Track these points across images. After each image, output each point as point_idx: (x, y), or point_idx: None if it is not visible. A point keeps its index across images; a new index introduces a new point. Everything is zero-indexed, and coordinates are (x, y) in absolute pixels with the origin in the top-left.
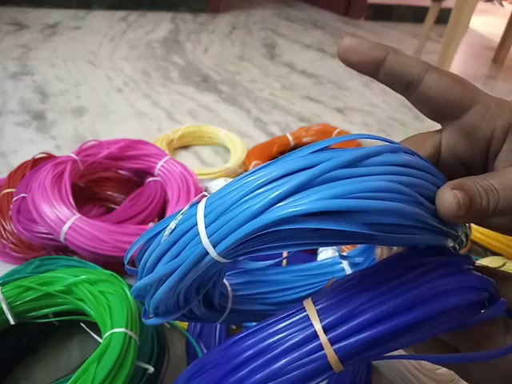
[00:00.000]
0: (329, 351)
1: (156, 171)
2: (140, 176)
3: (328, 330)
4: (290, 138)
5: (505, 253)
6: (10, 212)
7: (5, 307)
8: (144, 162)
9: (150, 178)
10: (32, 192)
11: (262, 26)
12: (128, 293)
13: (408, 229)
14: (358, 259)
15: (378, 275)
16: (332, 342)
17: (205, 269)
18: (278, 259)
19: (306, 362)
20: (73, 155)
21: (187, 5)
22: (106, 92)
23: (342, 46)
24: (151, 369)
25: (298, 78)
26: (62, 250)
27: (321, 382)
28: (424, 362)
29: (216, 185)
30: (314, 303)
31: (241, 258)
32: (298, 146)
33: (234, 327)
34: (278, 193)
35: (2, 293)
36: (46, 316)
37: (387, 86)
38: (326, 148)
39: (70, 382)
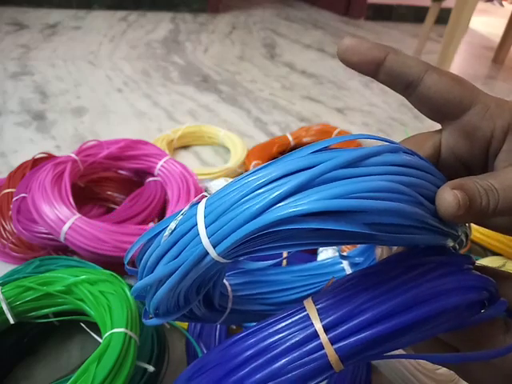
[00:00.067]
0: (329, 350)
1: (156, 171)
2: (140, 176)
3: (328, 329)
4: (290, 138)
5: (505, 253)
6: (10, 212)
7: (5, 307)
8: (144, 162)
9: (150, 178)
10: (32, 192)
11: (262, 26)
12: (128, 293)
13: (408, 229)
14: (358, 259)
15: (378, 275)
16: (332, 341)
17: (205, 269)
18: (278, 259)
19: (307, 361)
20: (73, 155)
21: (187, 5)
22: (106, 92)
23: (341, 46)
24: (151, 368)
25: (298, 78)
26: (62, 250)
27: (321, 381)
28: (424, 362)
29: (216, 185)
30: (314, 303)
31: (241, 258)
32: (298, 145)
33: (234, 327)
34: (278, 193)
35: (2, 293)
36: (46, 316)
37: (387, 86)
38: (325, 148)
39: (70, 382)
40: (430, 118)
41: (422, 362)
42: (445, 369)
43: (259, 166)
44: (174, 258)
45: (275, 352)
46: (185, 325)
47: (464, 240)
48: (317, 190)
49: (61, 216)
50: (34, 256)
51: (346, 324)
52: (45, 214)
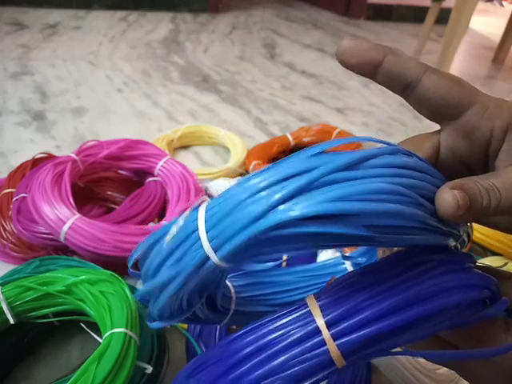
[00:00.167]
0: (331, 346)
1: (156, 171)
2: (140, 176)
3: (331, 325)
4: (290, 138)
5: (505, 253)
6: (10, 212)
7: (5, 307)
8: (144, 162)
9: (150, 178)
10: (32, 192)
11: (262, 26)
12: (128, 293)
13: (408, 230)
14: (360, 259)
15: (380, 272)
16: (335, 337)
17: (207, 273)
18: (278, 261)
19: (308, 357)
20: (73, 155)
21: (187, 5)
22: (106, 92)
23: (340, 48)
24: (151, 368)
25: (297, 78)
26: (62, 250)
27: (322, 379)
28: (424, 362)
29: (216, 185)
30: (316, 299)
31: (243, 261)
32: (298, 145)
33: (234, 327)
34: (276, 197)
35: (2, 293)
36: (46, 316)
37: (385, 87)
38: (324, 151)
39: (70, 382)
40: (429, 119)
41: (422, 361)
42: (445, 369)
43: (258, 171)
44: (176, 263)
45: (276, 348)
46: (185, 325)
47: (466, 239)
48: (315, 194)
49: (61, 216)
50: (34, 256)
51: (349, 320)
52: (45, 214)
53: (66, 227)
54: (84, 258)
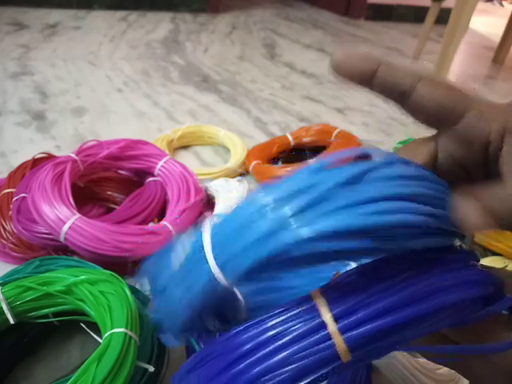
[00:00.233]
0: (338, 340)
1: (156, 171)
2: (140, 176)
3: (338, 319)
4: (290, 138)
5: (505, 253)
6: (10, 212)
7: (5, 307)
8: (144, 162)
9: (150, 178)
10: (32, 192)
11: (262, 26)
12: (128, 293)
13: (415, 236)
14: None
15: (387, 267)
16: (342, 331)
17: (217, 295)
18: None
19: (313, 351)
20: (73, 155)
21: (187, 5)
22: (106, 92)
23: (334, 60)
24: (151, 368)
25: (297, 78)
26: (62, 250)
27: (322, 377)
28: (424, 362)
29: (216, 185)
30: (321, 294)
31: (252, 281)
32: (297, 145)
33: None
34: (279, 218)
35: (2, 293)
36: (46, 316)
37: (382, 95)
38: (326, 165)
39: (70, 382)
40: (427, 125)
41: (422, 361)
42: (445, 369)
43: (259, 190)
44: (186, 289)
45: (280, 342)
46: None
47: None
48: (320, 213)
49: (61, 216)
50: (34, 256)
51: (355, 314)
52: (45, 214)
53: (65, 227)
54: (84, 258)
